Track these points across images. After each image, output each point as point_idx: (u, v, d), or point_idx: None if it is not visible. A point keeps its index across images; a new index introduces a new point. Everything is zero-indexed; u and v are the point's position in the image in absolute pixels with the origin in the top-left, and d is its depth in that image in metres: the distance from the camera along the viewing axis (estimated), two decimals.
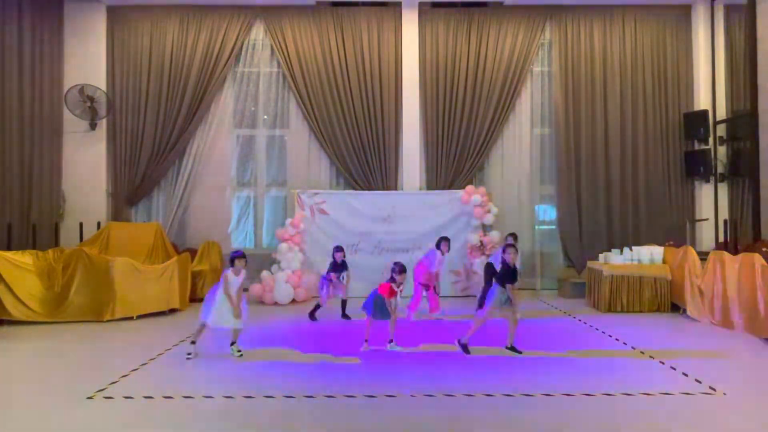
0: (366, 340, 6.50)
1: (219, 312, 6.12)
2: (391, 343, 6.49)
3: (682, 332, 7.62)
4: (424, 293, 8.44)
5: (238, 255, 6.29)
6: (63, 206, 10.99)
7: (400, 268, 6.41)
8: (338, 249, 8.44)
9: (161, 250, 10.38)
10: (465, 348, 6.29)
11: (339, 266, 8.36)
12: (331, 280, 8.32)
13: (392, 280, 6.39)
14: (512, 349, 6.30)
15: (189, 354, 6.15)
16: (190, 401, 4.80)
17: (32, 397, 4.95)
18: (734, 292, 7.48)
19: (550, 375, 5.48)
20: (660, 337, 7.22)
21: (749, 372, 5.77)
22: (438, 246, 8.34)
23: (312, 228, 10.73)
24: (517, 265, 6.43)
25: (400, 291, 6.44)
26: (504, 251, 6.33)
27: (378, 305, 6.39)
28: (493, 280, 6.45)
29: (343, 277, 8.36)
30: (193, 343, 6.22)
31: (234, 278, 6.19)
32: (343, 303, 8.47)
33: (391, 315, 6.43)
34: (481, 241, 10.36)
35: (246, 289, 9.87)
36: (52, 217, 10.60)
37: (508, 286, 6.18)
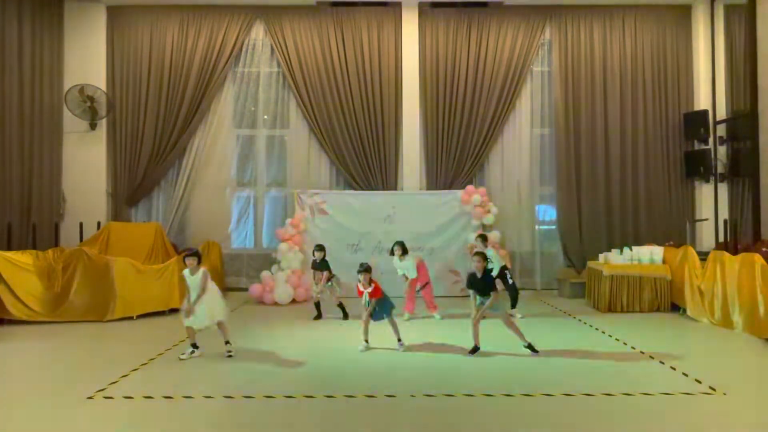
0: (366, 341, 6.51)
1: (195, 313, 6.08)
2: (400, 343, 6.50)
3: (682, 332, 7.62)
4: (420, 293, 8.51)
5: (187, 254, 6.21)
6: (63, 206, 11.00)
7: (359, 268, 6.44)
8: (318, 248, 8.46)
9: (161, 250, 10.38)
10: (474, 350, 6.29)
11: (317, 265, 8.39)
12: (328, 281, 8.35)
13: (359, 280, 6.43)
14: (530, 347, 6.26)
15: (182, 355, 6.17)
16: (190, 401, 4.80)
17: (32, 397, 4.95)
18: (734, 292, 7.48)
19: (551, 375, 5.48)
20: (660, 337, 7.22)
21: (749, 372, 5.77)
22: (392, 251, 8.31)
23: (312, 228, 10.74)
24: (499, 261, 6.33)
25: (368, 290, 6.40)
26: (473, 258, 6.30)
27: (375, 306, 6.42)
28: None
29: (331, 283, 8.34)
30: (194, 346, 6.22)
31: (189, 277, 6.11)
32: (340, 306, 8.44)
33: (387, 316, 6.46)
34: None
35: (245, 289, 9.99)
36: (52, 217, 10.60)
37: (493, 294, 6.14)
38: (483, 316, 6.29)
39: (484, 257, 6.31)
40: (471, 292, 6.30)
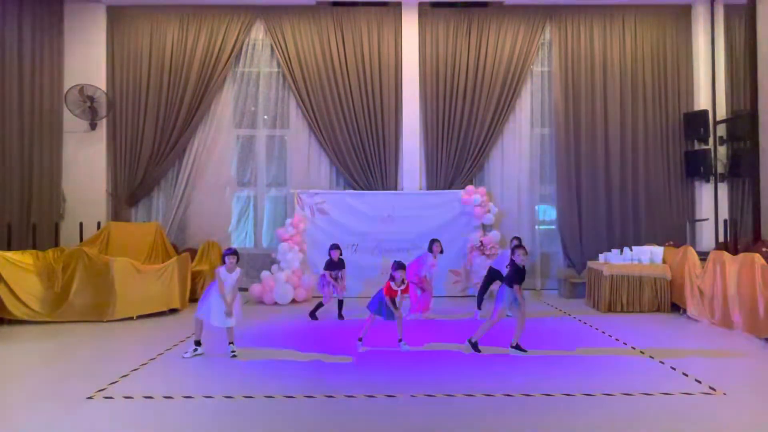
0: (360, 339, 6.50)
1: (213, 310, 6.12)
2: (402, 343, 6.50)
3: (682, 332, 7.62)
4: (418, 293, 8.47)
5: (228, 252, 6.29)
6: (63, 206, 10.99)
7: (397, 266, 6.42)
8: (334, 247, 8.46)
9: (161, 250, 10.39)
10: (475, 346, 6.32)
11: (336, 264, 8.37)
12: (331, 279, 8.32)
13: (391, 278, 6.41)
14: (518, 347, 6.31)
15: (186, 353, 6.18)
16: (190, 401, 4.80)
17: (32, 397, 4.95)
18: (734, 292, 7.48)
19: (550, 375, 5.48)
20: (660, 337, 7.22)
21: (749, 372, 5.77)
22: (430, 248, 8.37)
23: (312, 228, 10.74)
24: (499, 263, 6.46)
25: (402, 289, 6.41)
26: (513, 252, 6.36)
27: (384, 305, 6.40)
28: (504, 281, 6.45)
29: (340, 277, 8.36)
30: (197, 343, 6.24)
31: (227, 276, 6.18)
32: (340, 303, 8.46)
33: (395, 315, 6.45)
34: (481, 241, 10.37)
35: (245, 289, 10.00)
36: (52, 217, 10.60)
37: (516, 286, 6.19)
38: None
39: (525, 250, 6.41)
40: (478, 287, 6.31)
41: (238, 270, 6.26)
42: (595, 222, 11.26)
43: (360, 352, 6.39)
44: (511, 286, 6.20)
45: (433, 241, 8.42)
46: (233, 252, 6.30)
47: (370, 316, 6.49)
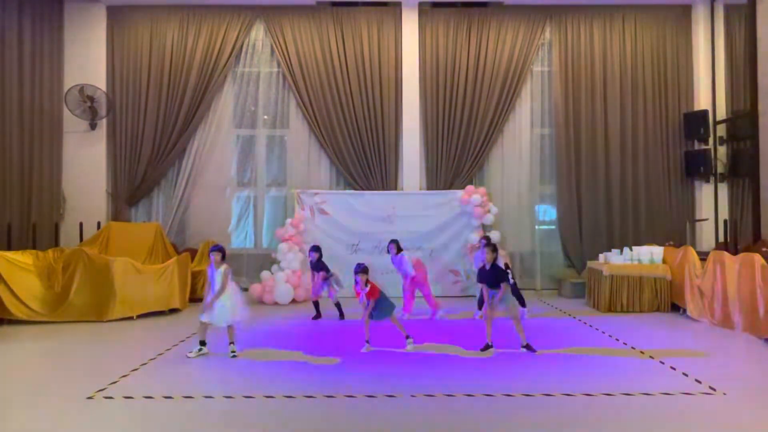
0: (367, 341, 6.50)
1: (214, 309, 6.11)
2: (408, 339, 6.50)
3: (682, 332, 7.62)
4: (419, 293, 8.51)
5: (212, 249, 6.23)
6: (63, 206, 11.00)
7: (356, 269, 6.40)
8: (313, 249, 8.46)
9: (161, 250, 10.39)
10: (486, 347, 6.33)
11: (315, 266, 8.36)
12: (326, 281, 8.33)
13: (356, 282, 6.42)
14: (527, 347, 6.30)
15: (190, 353, 6.18)
16: (190, 401, 4.80)
17: (32, 397, 4.95)
18: (734, 292, 7.48)
19: (551, 375, 5.48)
20: (660, 337, 7.22)
21: (749, 372, 5.77)
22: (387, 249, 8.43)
23: (312, 228, 10.73)
24: (501, 264, 6.43)
25: (364, 291, 6.36)
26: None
27: (375, 306, 6.40)
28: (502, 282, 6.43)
29: (333, 282, 8.34)
30: (202, 343, 6.24)
31: (213, 271, 6.15)
32: (337, 305, 8.44)
33: (388, 316, 6.46)
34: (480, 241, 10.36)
35: (245, 289, 10.00)
36: (52, 217, 10.60)
37: (504, 285, 6.17)
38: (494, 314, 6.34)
39: (494, 248, 6.39)
40: (479, 288, 6.33)
41: (223, 266, 6.15)
42: (595, 222, 11.26)
43: (363, 351, 6.38)
44: (490, 286, 6.25)
45: (389, 242, 8.42)
46: (217, 249, 6.22)
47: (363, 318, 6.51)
